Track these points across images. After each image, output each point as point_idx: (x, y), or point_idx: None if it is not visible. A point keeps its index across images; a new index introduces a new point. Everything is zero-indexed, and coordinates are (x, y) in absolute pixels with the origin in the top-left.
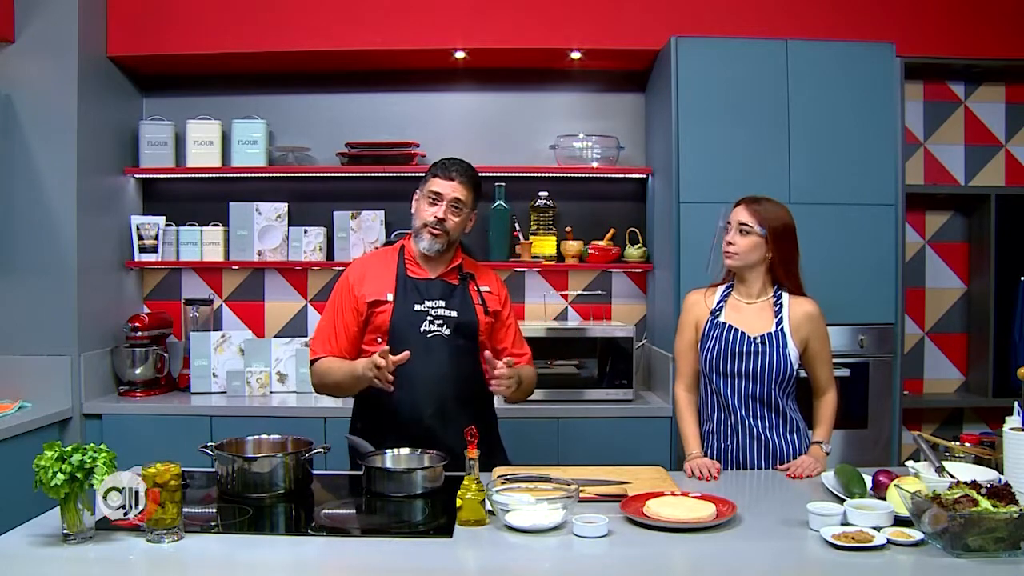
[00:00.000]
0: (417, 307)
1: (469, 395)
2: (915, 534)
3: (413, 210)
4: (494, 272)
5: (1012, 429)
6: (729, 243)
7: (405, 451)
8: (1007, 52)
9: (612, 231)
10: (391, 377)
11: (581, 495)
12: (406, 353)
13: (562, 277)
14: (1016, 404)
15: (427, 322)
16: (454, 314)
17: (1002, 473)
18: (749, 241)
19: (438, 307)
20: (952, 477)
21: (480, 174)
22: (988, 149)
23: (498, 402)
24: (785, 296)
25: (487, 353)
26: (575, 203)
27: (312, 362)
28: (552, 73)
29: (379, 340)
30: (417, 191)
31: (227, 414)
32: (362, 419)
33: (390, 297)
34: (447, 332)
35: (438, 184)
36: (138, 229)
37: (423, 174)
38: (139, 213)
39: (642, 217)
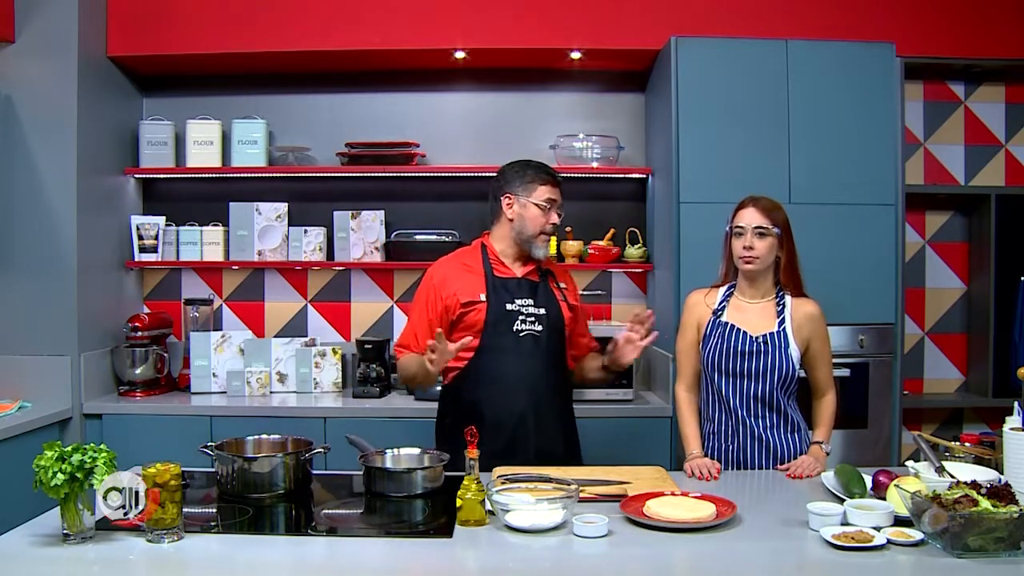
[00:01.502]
0: (509, 306)
1: (559, 392)
2: (915, 534)
3: (512, 215)
4: (565, 268)
5: (1012, 429)
6: (748, 248)
7: (405, 451)
8: (1007, 52)
9: (612, 231)
10: (432, 355)
11: (581, 495)
12: (469, 339)
13: None
14: (1016, 404)
15: (519, 321)
16: (543, 311)
17: (1002, 473)
18: (767, 243)
19: (528, 305)
20: (952, 477)
21: (480, 174)
22: (988, 149)
23: None
24: (787, 297)
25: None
26: (575, 203)
27: (397, 360)
28: (552, 73)
29: (471, 338)
30: (511, 195)
31: (227, 414)
32: (452, 416)
33: (483, 297)
34: (539, 329)
35: (551, 191)
36: (138, 229)
37: (424, 174)
38: (139, 213)
39: (642, 217)
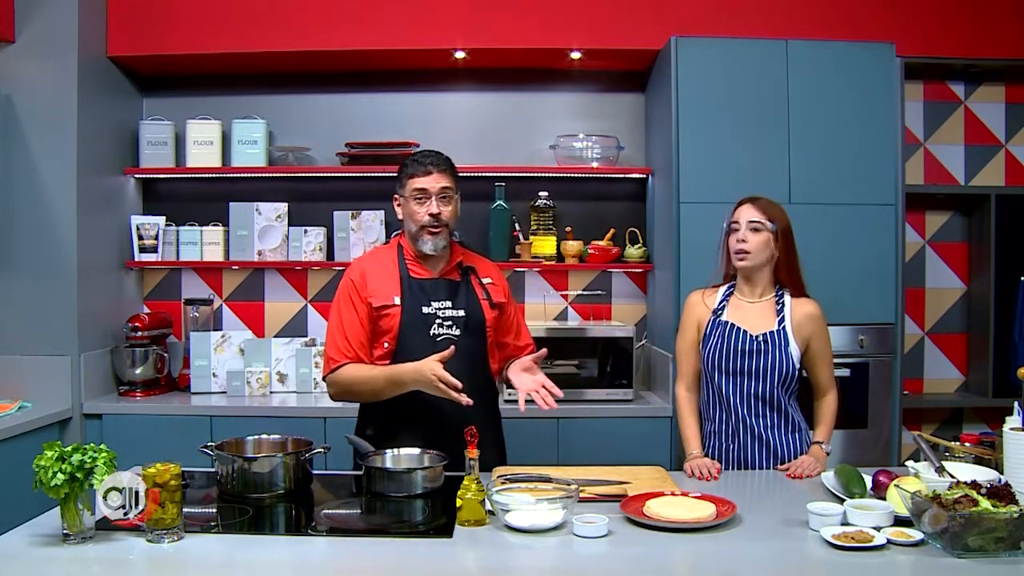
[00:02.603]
0: (425, 309)
1: (482, 397)
2: (915, 534)
3: (401, 215)
4: (491, 262)
5: (1012, 429)
6: (742, 241)
7: (405, 451)
8: (1007, 52)
9: (612, 231)
10: (459, 384)
11: (581, 495)
12: (451, 349)
13: (562, 277)
14: (1016, 404)
15: (436, 325)
16: (461, 313)
17: (1002, 473)
18: (761, 238)
19: (445, 308)
20: (952, 477)
21: (480, 174)
22: (988, 149)
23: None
24: (787, 296)
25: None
26: (575, 203)
27: (332, 371)
28: (552, 73)
29: (386, 345)
30: (396, 195)
31: (227, 414)
32: (372, 425)
33: (397, 300)
34: (456, 333)
35: (419, 181)
36: (138, 229)
37: None
38: (139, 213)
39: (642, 217)
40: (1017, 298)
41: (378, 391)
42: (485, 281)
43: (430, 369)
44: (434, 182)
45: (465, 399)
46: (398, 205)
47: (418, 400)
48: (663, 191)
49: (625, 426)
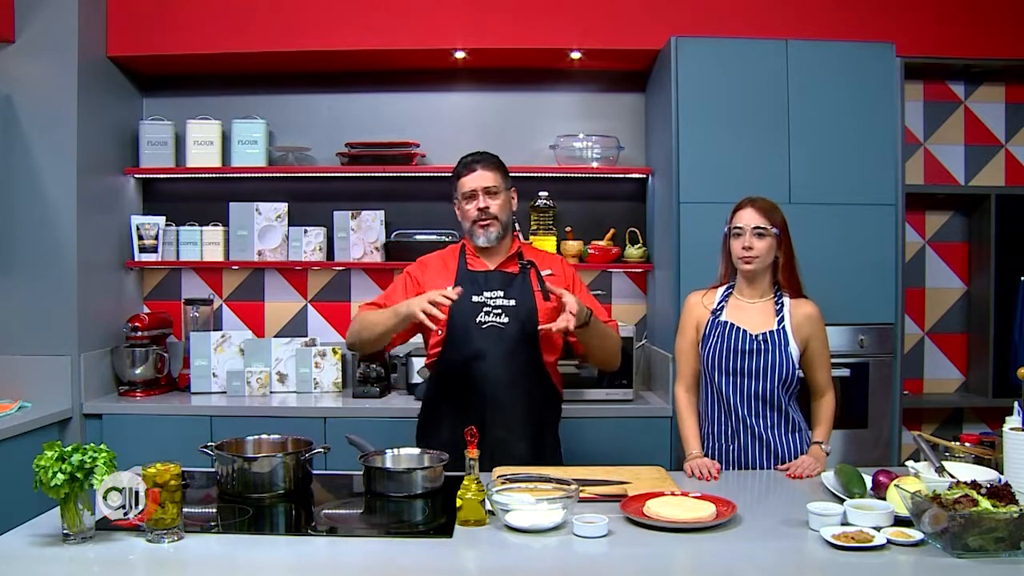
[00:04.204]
0: (475, 298)
1: (528, 386)
2: (915, 534)
3: (459, 217)
4: (558, 255)
5: (1012, 429)
6: (748, 248)
7: (405, 451)
8: (1007, 52)
9: (612, 231)
10: (441, 312)
11: (581, 495)
12: (459, 289)
13: None
14: (1016, 404)
15: (483, 313)
16: (512, 303)
17: (1002, 473)
18: (766, 243)
19: (496, 297)
20: (952, 477)
21: None
22: (988, 149)
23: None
24: (785, 297)
25: (543, 327)
26: (575, 203)
27: (355, 321)
28: (552, 73)
29: (439, 332)
30: (454, 200)
31: (227, 414)
32: (425, 410)
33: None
34: (504, 321)
35: (466, 181)
36: (138, 229)
37: (424, 174)
38: (139, 213)
39: (642, 217)
40: (1017, 298)
41: (383, 322)
42: (545, 273)
43: (426, 294)
44: (479, 179)
45: (453, 294)
46: (457, 209)
47: (462, 390)
48: (663, 191)
49: (625, 426)
